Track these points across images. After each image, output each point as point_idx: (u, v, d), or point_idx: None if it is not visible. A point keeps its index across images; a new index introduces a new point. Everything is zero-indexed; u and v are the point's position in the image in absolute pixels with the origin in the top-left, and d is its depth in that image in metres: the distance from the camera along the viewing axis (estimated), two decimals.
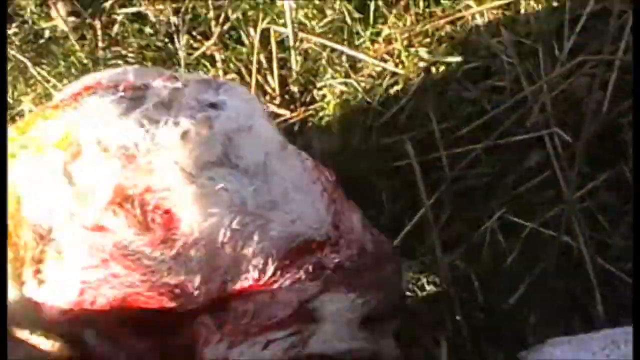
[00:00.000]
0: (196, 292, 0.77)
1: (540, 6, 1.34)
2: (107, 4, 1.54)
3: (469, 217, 1.23)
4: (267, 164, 0.79)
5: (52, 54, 1.55)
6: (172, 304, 0.77)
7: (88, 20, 1.55)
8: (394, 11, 1.38)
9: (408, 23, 1.37)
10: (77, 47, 1.49)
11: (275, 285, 0.78)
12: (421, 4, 1.38)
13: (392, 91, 1.34)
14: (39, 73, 1.50)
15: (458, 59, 1.35)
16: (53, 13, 1.54)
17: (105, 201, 0.76)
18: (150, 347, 0.79)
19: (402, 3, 1.39)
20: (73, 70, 1.45)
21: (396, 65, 1.35)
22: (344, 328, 0.82)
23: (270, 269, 0.78)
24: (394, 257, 0.90)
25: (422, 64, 1.35)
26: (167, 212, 0.75)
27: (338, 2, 1.36)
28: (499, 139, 1.29)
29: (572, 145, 1.25)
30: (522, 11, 1.36)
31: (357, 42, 1.37)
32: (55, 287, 0.78)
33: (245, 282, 0.77)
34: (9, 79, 1.53)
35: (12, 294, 0.79)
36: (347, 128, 1.31)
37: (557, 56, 1.32)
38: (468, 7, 1.37)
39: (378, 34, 1.39)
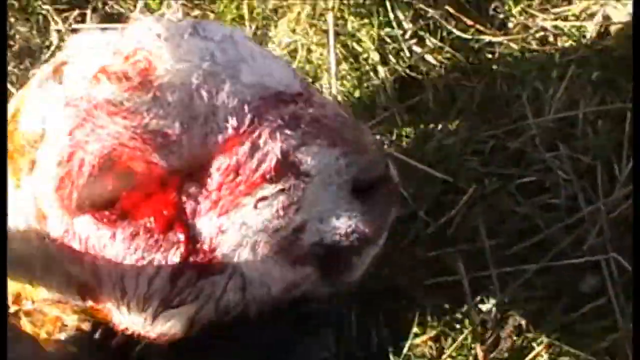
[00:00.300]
0: (179, 141, 0.76)
1: (599, 122, 1.27)
2: None
3: (517, 344, 1.15)
4: (233, 37, 0.83)
5: None
6: (157, 157, 0.76)
7: None
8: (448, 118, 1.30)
9: (462, 131, 1.29)
10: None
11: (255, 134, 0.77)
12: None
13: (441, 199, 1.25)
14: None
15: (511, 171, 1.26)
16: None
17: (91, 75, 0.79)
18: (139, 227, 0.79)
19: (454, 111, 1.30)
20: None
21: (446, 172, 1.26)
22: (337, 196, 0.80)
23: (248, 117, 0.77)
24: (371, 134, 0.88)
25: (474, 174, 1.27)
26: (144, 62, 0.78)
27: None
28: (553, 260, 1.21)
29: (630, 272, 1.16)
30: (580, 126, 1.28)
31: None
32: (44, 165, 0.79)
33: (225, 133, 0.77)
34: None
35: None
36: (390, 235, 1.23)
37: (617, 176, 1.24)
38: (524, 117, 1.29)
39: None
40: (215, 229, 0.78)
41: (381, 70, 1.31)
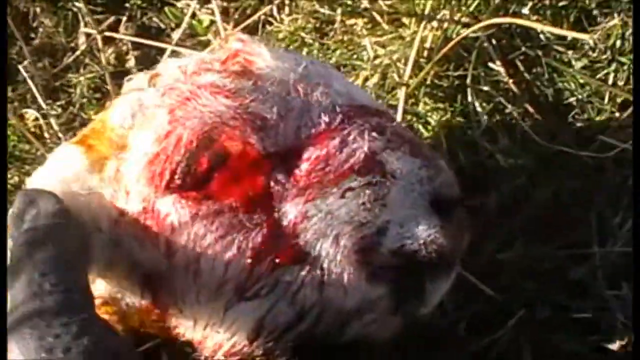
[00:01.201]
0: (275, 127, 0.81)
1: None
2: None
3: None
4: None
5: None
6: (254, 138, 0.79)
7: None
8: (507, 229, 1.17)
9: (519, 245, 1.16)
10: None
11: (345, 132, 0.81)
12: None
13: (485, 317, 1.12)
14: None
15: (566, 301, 1.14)
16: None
17: (190, 71, 0.84)
18: (225, 206, 0.79)
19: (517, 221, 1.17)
20: None
21: (495, 288, 1.13)
22: (418, 203, 0.83)
23: (339, 117, 0.82)
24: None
25: (525, 296, 1.14)
26: (245, 58, 0.85)
27: None
28: None
29: None
30: None
31: None
32: (138, 144, 0.81)
33: (317, 128, 0.82)
34: None
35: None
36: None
37: None
38: (588, 243, 1.16)
39: None
40: (300, 214, 0.79)
41: (446, 161, 1.17)
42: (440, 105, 1.19)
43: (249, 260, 0.79)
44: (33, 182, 0.88)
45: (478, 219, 1.20)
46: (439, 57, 1.17)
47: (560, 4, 1.26)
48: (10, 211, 0.78)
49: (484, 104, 1.20)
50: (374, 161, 0.82)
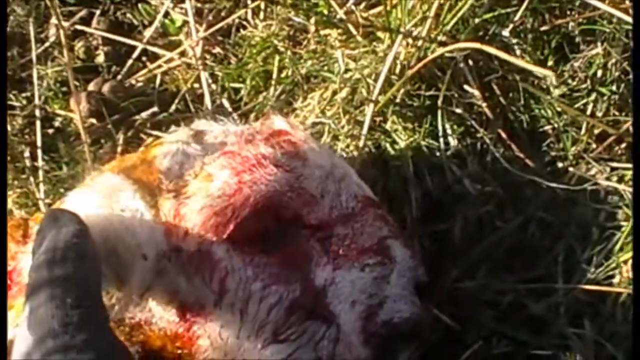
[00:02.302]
0: (317, 204, 0.96)
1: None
2: (137, 118, 1.26)
3: None
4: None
5: (55, 150, 1.26)
6: (303, 210, 0.95)
7: (110, 127, 1.26)
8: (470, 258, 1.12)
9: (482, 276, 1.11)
10: (86, 154, 1.20)
11: (363, 218, 0.99)
12: None
13: (441, 349, 1.09)
14: (32, 169, 1.21)
15: (525, 337, 1.11)
16: (72, 103, 1.25)
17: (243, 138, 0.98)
18: (274, 261, 0.93)
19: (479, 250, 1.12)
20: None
21: (453, 318, 1.09)
22: (406, 286, 0.99)
23: (360, 204, 0.99)
24: None
25: (483, 329, 1.10)
26: (291, 140, 0.98)
27: None
28: None
29: None
30: (610, 306, 1.12)
31: None
32: (203, 194, 0.92)
33: (345, 210, 0.98)
34: None
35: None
36: None
37: None
38: (553, 276, 1.12)
39: None
40: (330, 279, 0.95)
41: (412, 183, 1.13)
42: (409, 125, 1.15)
43: (287, 310, 0.92)
44: (75, 203, 0.94)
45: (441, 245, 1.16)
46: (411, 75, 1.13)
47: (543, 28, 1.21)
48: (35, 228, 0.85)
49: (455, 127, 1.16)
50: (383, 245, 0.99)
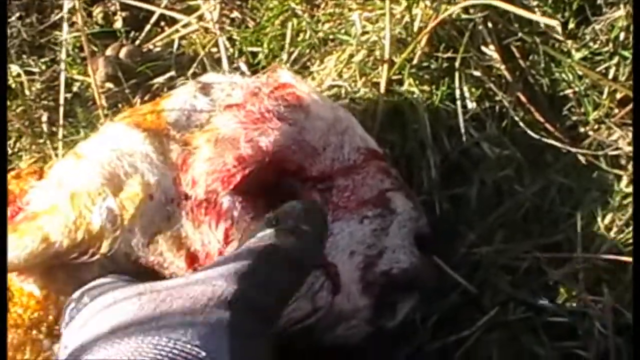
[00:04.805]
0: (319, 156, 0.98)
1: None
2: (155, 83, 1.25)
3: None
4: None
5: (73, 115, 1.26)
6: (306, 162, 0.97)
7: (127, 91, 1.26)
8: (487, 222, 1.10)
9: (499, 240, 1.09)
10: (102, 115, 1.20)
11: (365, 170, 1.00)
12: None
13: (456, 312, 1.07)
14: (49, 134, 1.21)
15: (543, 303, 1.08)
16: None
17: (248, 90, 1.00)
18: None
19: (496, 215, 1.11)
20: None
21: (470, 282, 1.08)
22: (406, 237, 1.01)
23: (362, 157, 1.00)
24: None
25: (500, 294, 1.09)
26: (295, 93, 1.00)
27: None
28: None
29: None
30: (631, 274, 1.09)
31: None
32: (209, 150, 0.96)
33: (347, 162, 0.99)
34: (15, 126, 1.25)
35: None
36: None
37: None
38: (572, 242, 1.10)
39: None
40: (329, 230, 0.95)
41: (429, 146, 1.12)
42: (426, 87, 1.13)
43: None
44: (84, 149, 0.98)
45: (458, 209, 1.15)
46: (429, 37, 1.11)
47: None
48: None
49: (473, 89, 1.15)
50: (384, 198, 1.00)
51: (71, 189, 0.95)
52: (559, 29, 1.12)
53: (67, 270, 0.94)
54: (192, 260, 0.95)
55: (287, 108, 0.98)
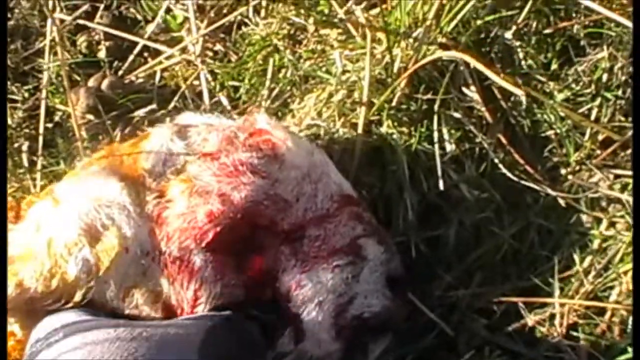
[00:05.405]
0: (291, 207, 0.99)
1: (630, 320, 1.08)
2: (135, 115, 1.25)
3: None
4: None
5: (54, 145, 1.26)
6: (278, 217, 0.98)
7: (108, 122, 1.26)
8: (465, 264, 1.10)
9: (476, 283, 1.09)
10: (81, 149, 1.20)
11: (337, 219, 1.01)
12: None
13: (432, 356, 1.07)
14: (30, 163, 1.21)
15: (519, 347, 1.10)
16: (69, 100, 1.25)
17: (222, 137, 1.01)
18: (242, 282, 0.97)
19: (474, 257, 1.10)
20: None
21: (447, 325, 1.07)
22: (378, 281, 1.03)
23: (335, 205, 1.02)
24: None
25: (475, 338, 1.09)
26: (271, 140, 1.01)
27: None
28: None
29: None
30: (607, 317, 1.09)
31: None
32: (184, 200, 0.97)
33: (320, 212, 1.01)
34: None
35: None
36: None
37: None
38: (549, 285, 1.10)
39: None
40: (295, 283, 0.99)
41: (407, 188, 1.11)
42: (405, 129, 1.13)
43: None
44: (62, 193, 0.99)
45: (436, 252, 1.14)
46: (409, 78, 1.10)
47: (547, 31, 1.18)
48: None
49: (453, 131, 1.14)
50: (355, 245, 1.02)
51: (48, 236, 0.96)
52: (524, 99, 1.11)
53: (49, 313, 0.95)
54: (168, 312, 0.96)
55: (261, 160, 0.99)
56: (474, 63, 1.04)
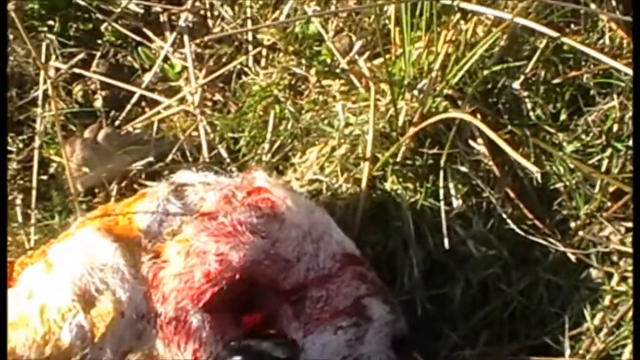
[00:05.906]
0: (292, 267, 0.97)
1: None
2: (132, 168, 1.22)
3: None
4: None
5: (48, 198, 1.22)
6: (279, 277, 0.96)
7: (104, 175, 1.22)
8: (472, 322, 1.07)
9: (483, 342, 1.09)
10: (76, 204, 1.16)
11: (340, 279, 0.99)
12: None
13: None
14: (23, 217, 1.18)
15: None
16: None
17: (220, 196, 0.99)
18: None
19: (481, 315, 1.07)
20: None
21: None
22: (383, 342, 1.00)
23: (337, 264, 0.99)
24: None
25: None
26: (270, 199, 0.98)
27: None
28: None
29: None
30: None
31: None
32: (180, 261, 0.94)
33: (322, 272, 0.98)
34: None
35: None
36: None
37: None
38: (559, 343, 1.07)
39: None
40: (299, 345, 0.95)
41: (412, 245, 1.08)
42: (410, 185, 1.09)
43: None
44: (55, 256, 0.97)
45: (442, 310, 1.11)
46: (414, 133, 1.07)
47: (555, 80, 1.15)
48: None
49: (459, 186, 1.11)
50: (359, 305, 0.99)
51: (41, 302, 0.93)
52: (539, 176, 1.08)
53: None
54: None
55: (260, 219, 0.96)
56: (491, 135, 1.01)
